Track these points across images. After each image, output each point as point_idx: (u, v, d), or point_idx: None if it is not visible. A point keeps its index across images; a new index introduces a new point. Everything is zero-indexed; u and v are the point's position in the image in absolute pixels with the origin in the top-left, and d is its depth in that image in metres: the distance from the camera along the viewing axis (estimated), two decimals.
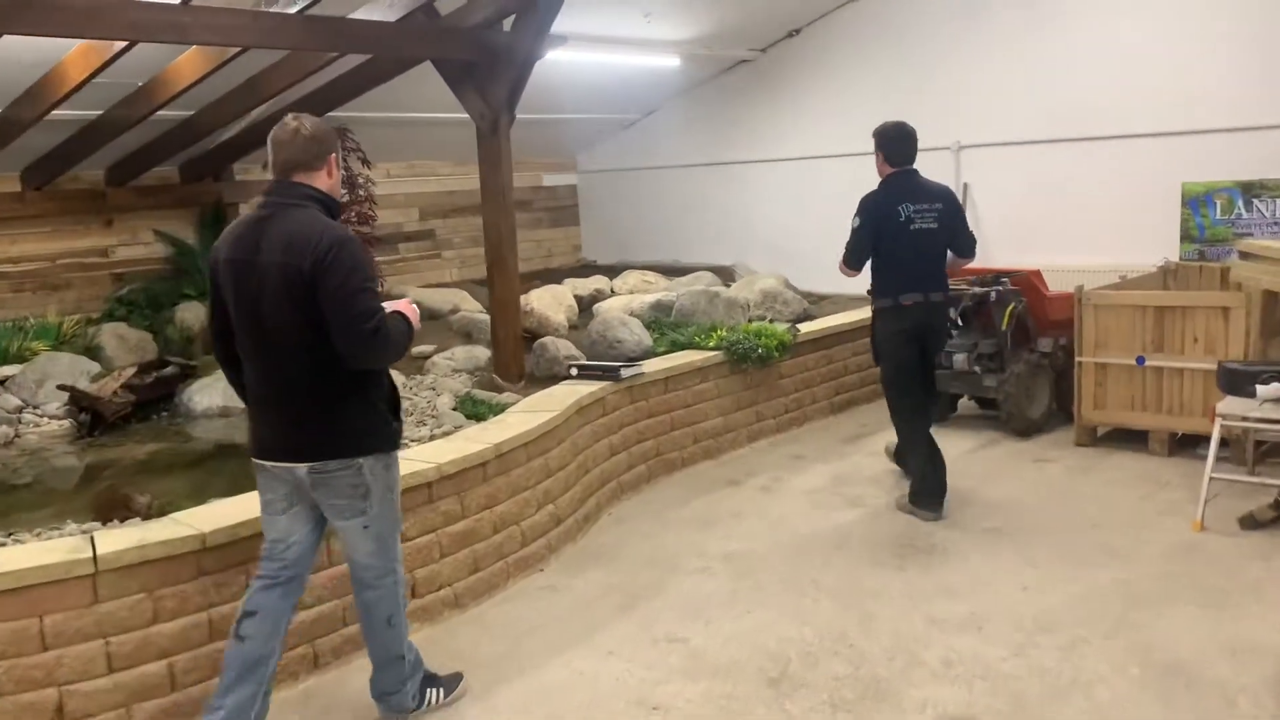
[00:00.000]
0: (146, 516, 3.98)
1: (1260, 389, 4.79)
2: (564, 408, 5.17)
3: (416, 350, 6.72)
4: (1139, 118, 7.30)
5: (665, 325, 7.31)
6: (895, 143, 5.18)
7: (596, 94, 9.37)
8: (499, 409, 5.39)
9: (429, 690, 3.56)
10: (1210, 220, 6.97)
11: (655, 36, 8.41)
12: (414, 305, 3.38)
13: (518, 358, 6.32)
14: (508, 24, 5.96)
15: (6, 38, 4.77)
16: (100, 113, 6.62)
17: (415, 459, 4.26)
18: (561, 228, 11.28)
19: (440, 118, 7.84)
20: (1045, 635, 3.90)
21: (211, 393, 6.36)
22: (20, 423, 5.99)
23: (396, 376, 4.59)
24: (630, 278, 9.37)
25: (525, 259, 9.37)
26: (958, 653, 3.79)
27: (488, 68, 5.94)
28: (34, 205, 7.44)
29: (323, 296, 3.04)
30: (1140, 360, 6.02)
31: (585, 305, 8.50)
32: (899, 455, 5.74)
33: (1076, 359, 6.28)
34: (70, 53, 5.49)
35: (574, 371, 5.89)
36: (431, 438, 4.96)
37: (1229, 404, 4.92)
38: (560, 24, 5.96)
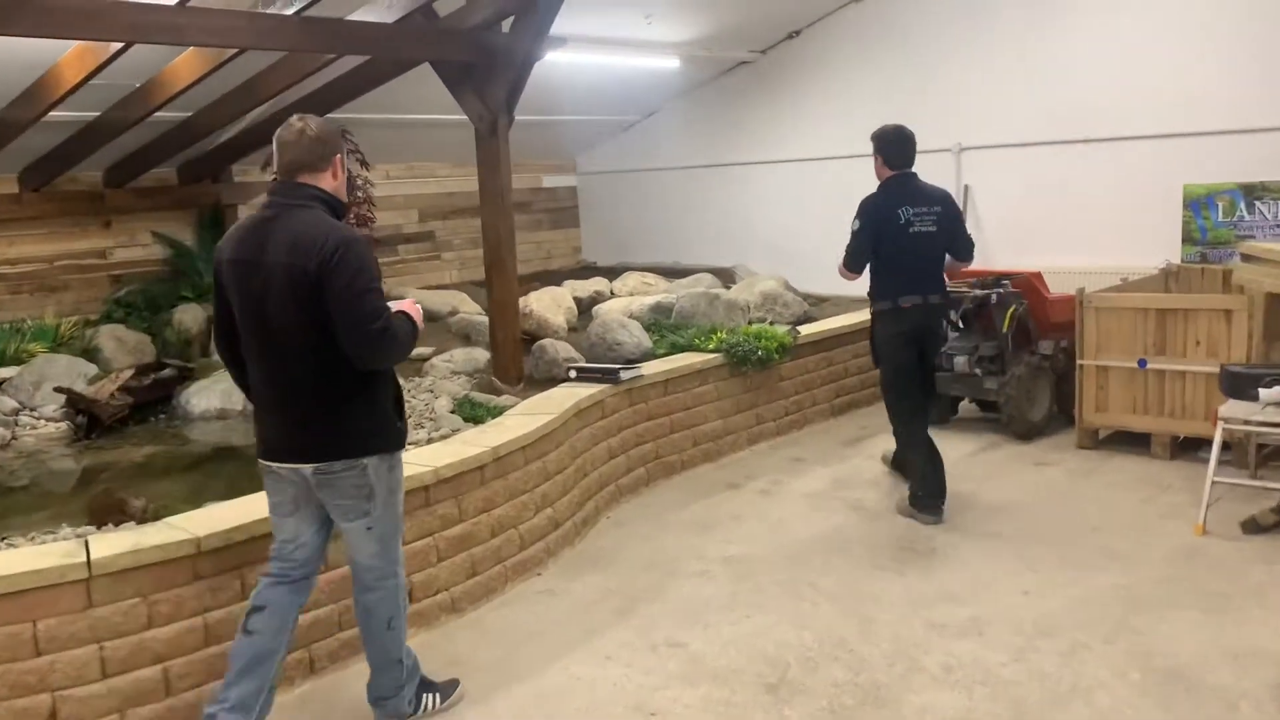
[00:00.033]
0: (142, 520, 3.95)
1: (1263, 392, 4.76)
2: (562, 410, 5.15)
3: (415, 352, 6.68)
4: (1140, 119, 7.28)
5: (665, 327, 7.29)
6: (894, 146, 5.18)
7: (596, 95, 9.35)
8: (497, 412, 5.37)
9: (425, 696, 3.55)
10: (1212, 222, 6.95)
11: (655, 38, 8.39)
12: (417, 305, 3.39)
13: (516, 360, 6.30)
14: (506, 25, 5.94)
15: (2, 39, 4.74)
16: (98, 114, 6.60)
17: (412, 462, 4.23)
18: (561, 229, 11.26)
19: (440, 119, 7.82)
20: (1045, 640, 3.88)
21: (209, 395, 6.35)
22: (17, 425, 5.97)
23: None
24: (630, 279, 9.34)
25: (525, 261, 9.37)
26: (958, 658, 3.77)
27: (486, 69, 5.92)
28: (32, 207, 7.41)
29: (330, 298, 3.04)
30: (1142, 363, 6.00)
31: (585, 307, 8.48)
32: (897, 462, 5.72)
33: (1078, 361, 6.26)
34: (67, 54, 5.47)
35: (573, 374, 5.87)
36: (429, 441, 4.93)
37: (1231, 407, 4.89)
38: (560, 25, 5.94)
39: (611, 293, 9.06)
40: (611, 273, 9.87)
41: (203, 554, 3.50)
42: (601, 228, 11.23)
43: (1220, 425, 4.88)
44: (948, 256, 5.31)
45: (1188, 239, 7.06)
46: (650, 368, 6.12)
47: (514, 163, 6.24)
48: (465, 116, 6.10)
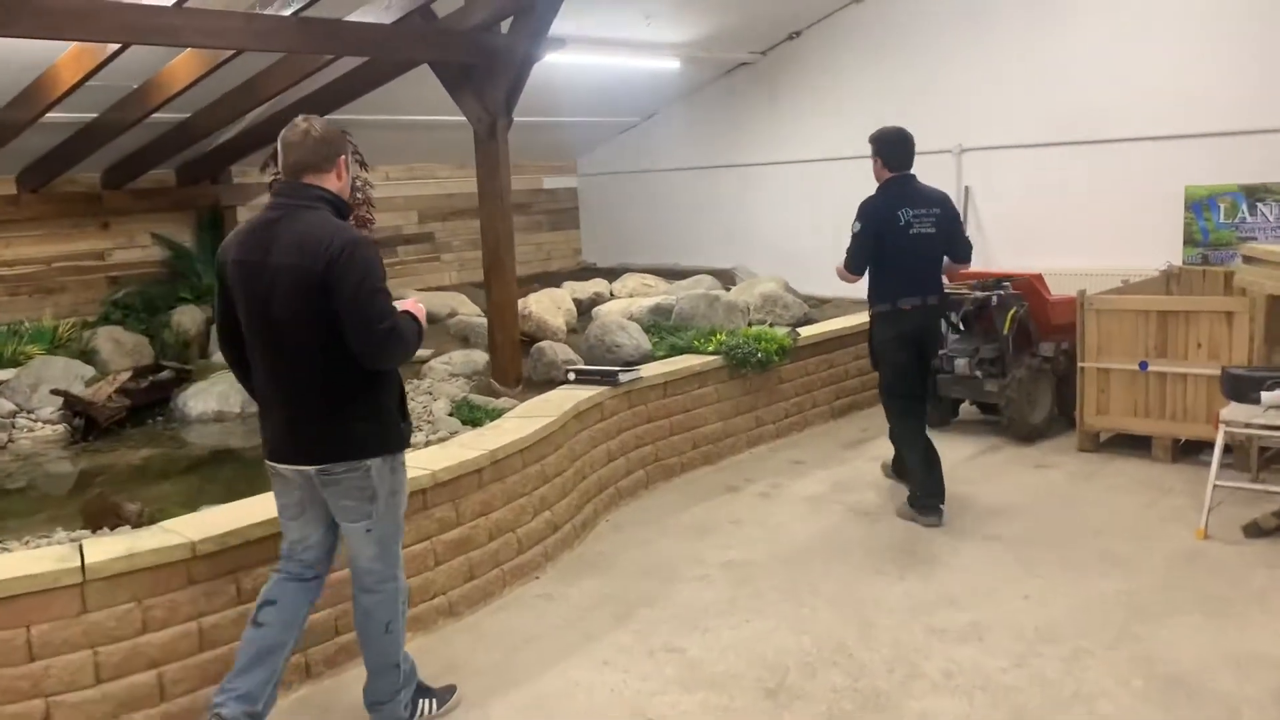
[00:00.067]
0: (136, 524, 3.93)
1: (1265, 395, 4.73)
2: (561, 413, 5.13)
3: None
4: (1141, 121, 7.25)
5: (664, 329, 7.27)
6: (893, 147, 5.18)
7: (597, 97, 9.32)
8: (495, 414, 5.35)
9: (421, 701, 3.52)
10: (1214, 224, 6.92)
11: (655, 39, 8.37)
12: (420, 304, 3.39)
13: (515, 362, 6.28)
14: (505, 26, 5.92)
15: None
16: (96, 115, 6.58)
17: (410, 465, 4.12)
18: (561, 230, 11.25)
19: (439, 120, 7.79)
20: (1047, 646, 3.85)
21: (206, 397, 6.33)
22: (14, 427, 5.96)
23: None
24: (630, 281, 9.32)
25: (524, 262, 9.35)
26: (958, 664, 3.74)
27: (485, 70, 5.90)
28: (29, 208, 7.40)
29: (338, 299, 3.04)
30: (1143, 365, 5.98)
31: (584, 309, 8.46)
32: (896, 468, 5.69)
33: (1079, 364, 6.24)
34: (64, 55, 5.45)
35: (571, 376, 5.85)
36: (427, 444, 4.91)
37: (1233, 410, 4.87)
38: (559, 26, 5.92)
39: (611, 294, 9.04)
40: (611, 274, 9.85)
41: (198, 558, 3.48)
42: (601, 229, 11.21)
43: (1222, 428, 4.85)
44: (945, 258, 5.30)
45: (1189, 241, 7.03)
46: (649, 370, 6.09)
47: (514, 164, 6.23)
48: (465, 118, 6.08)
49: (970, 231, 8.03)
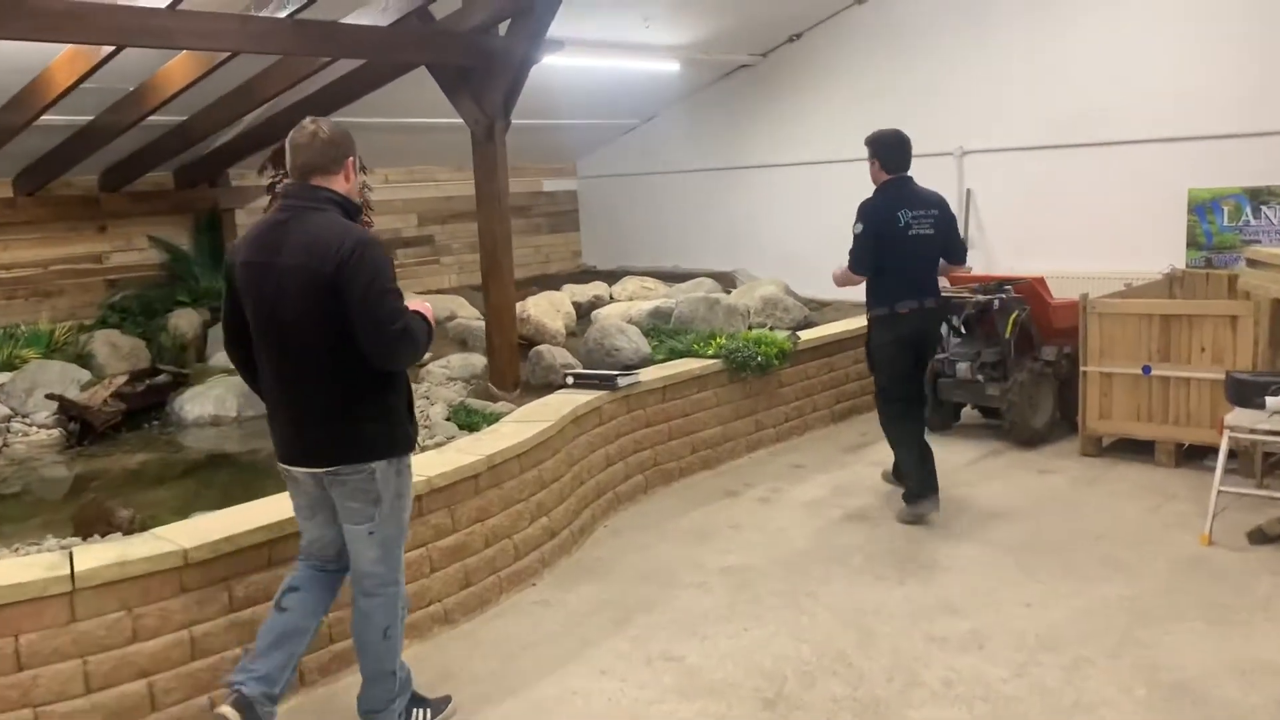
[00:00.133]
0: (128, 531, 3.89)
1: (1269, 400, 4.68)
2: (559, 417, 5.09)
3: None
4: (1144, 123, 7.21)
5: (664, 332, 7.23)
6: (891, 149, 5.18)
7: (596, 99, 9.29)
8: (493, 419, 5.31)
9: (415, 711, 3.49)
10: (1217, 227, 6.87)
11: (655, 41, 8.33)
12: (428, 304, 3.38)
13: (513, 366, 6.24)
14: (503, 29, 5.88)
15: None
16: (92, 118, 6.55)
17: None
18: (561, 233, 11.21)
19: (439, 123, 7.75)
20: (1048, 654, 3.80)
21: (203, 401, 6.29)
22: (9, 432, 5.93)
23: None
24: (630, 284, 9.28)
25: (524, 264, 9.32)
26: (958, 672, 3.70)
27: (483, 73, 5.87)
28: (26, 211, 7.38)
29: (349, 300, 3.03)
30: (1146, 369, 5.93)
31: (584, 312, 8.42)
32: (896, 473, 5.65)
33: (1081, 368, 6.19)
34: (58, 57, 5.43)
35: (570, 380, 5.80)
36: (423, 449, 4.87)
37: (1237, 415, 4.82)
38: (559, 29, 5.89)
39: (611, 297, 9.00)
40: (611, 277, 9.81)
41: (189, 566, 3.45)
42: (601, 232, 11.18)
43: (1226, 434, 4.81)
44: (941, 260, 5.31)
45: (1192, 244, 6.98)
46: (648, 374, 6.05)
47: (513, 166, 6.20)
48: None
49: (972, 234, 8.07)
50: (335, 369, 3.13)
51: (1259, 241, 6.63)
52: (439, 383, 6.25)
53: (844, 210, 5.42)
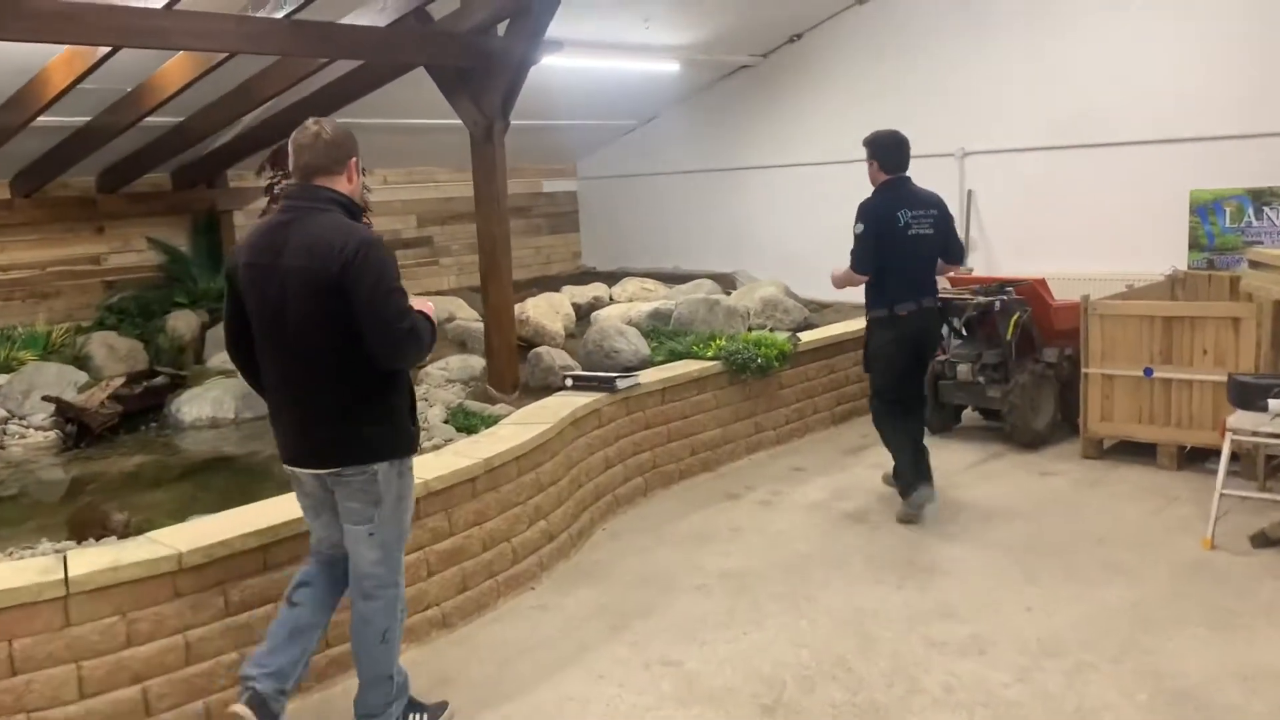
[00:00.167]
0: (123, 535, 3.86)
1: (1272, 403, 4.66)
2: (557, 420, 5.06)
3: None
4: (1145, 124, 7.18)
5: (664, 334, 7.21)
6: (889, 150, 5.18)
7: (596, 100, 9.27)
8: (491, 421, 5.28)
9: (412, 715, 3.47)
10: (1219, 228, 6.84)
11: (654, 42, 8.31)
12: (430, 303, 3.37)
13: (512, 368, 6.22)
14: (502, 29, 5.86)
15: None
16: (89, 119, 6.53)
17: None
18: (561, 234, 11.19)
19: (438, 123, 7.72)
20: (1050, 659, 3.78)
21: (201, 403, 6.27)
22: (5, 434, 5.91)
23: None
24: (629, 285, 9.26)
25: (524, 266, 9.30)
26: (959, 677, 3.67)
27: (482, 73, 5.84)
28: (23, 212, 7.36)
29: (355, 300, 3.03)
30: (1148, 371, 5.90)
31: (583, 313, 8.39)
32: (897, 476, 5.63)
33: (1083, 370, 6.17)
34: (55, 58, 5.41)
35: (569, 382, 5.77)
36: (421, 451, 4.84)
37: (1239, 418, 4.79)
38: (558, 29, 5.86)
39: (610, 298, 8.97)
40: (611, 278, 9.78)
41: (184, 570, 3.42)
42: (601, 233, 11.16)
43: (1228, 436, 4.78)
44: (939, 260, 5.30)
45: (1194, 245, 6.95)
46: (648, 376, 6.02)
47: (513, 167, 6.18)
48: None
49: (973, 236, 8.05)
50: (339, 370, 3.13)
51: (1261, 243, 6.60)
52: (437, 384, 6.22)
53: (845, 211, 5.40)
